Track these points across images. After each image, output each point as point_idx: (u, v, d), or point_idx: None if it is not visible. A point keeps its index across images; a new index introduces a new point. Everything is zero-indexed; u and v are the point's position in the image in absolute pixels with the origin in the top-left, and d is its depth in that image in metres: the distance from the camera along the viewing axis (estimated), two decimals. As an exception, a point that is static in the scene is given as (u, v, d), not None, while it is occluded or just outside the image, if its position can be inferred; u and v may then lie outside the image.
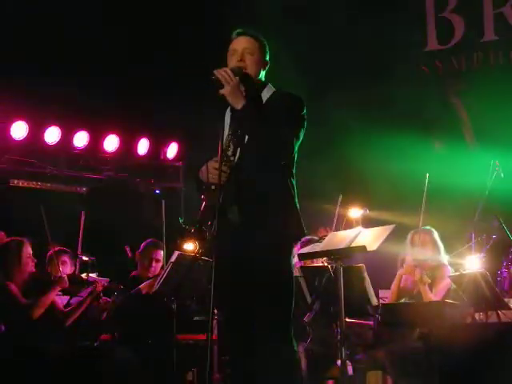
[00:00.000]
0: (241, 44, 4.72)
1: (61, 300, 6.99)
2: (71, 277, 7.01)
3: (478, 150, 8.96)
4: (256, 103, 4.63)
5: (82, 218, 8.12)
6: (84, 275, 7.20)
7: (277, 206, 4.56)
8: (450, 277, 6.69)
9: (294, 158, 4.68)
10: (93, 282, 7.02)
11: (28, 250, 6.77)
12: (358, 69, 9.60)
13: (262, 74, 4.76)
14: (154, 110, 9.64)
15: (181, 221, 5.28)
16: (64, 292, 6.98)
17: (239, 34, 4.76)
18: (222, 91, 4.51)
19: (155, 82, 9.55)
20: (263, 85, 4.76)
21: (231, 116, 4.70)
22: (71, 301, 7.07)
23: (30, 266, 6.75)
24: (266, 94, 4.73)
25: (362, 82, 9.54)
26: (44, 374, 6.38)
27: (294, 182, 4.68)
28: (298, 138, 4.62)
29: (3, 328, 6.59)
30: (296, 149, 4.64)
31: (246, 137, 4.59)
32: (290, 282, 4.60)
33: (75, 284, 7.00)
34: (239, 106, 4.52)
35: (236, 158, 4.60)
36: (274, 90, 4.76)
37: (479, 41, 9.70)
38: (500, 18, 9.59)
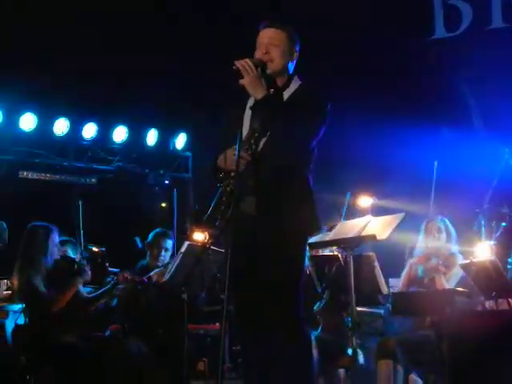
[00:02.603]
0: (266, 36, 4.68)
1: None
2: (96, 266, 7.03)
3: (488, 137, 8.93)
4: (276, 95, 4.61)
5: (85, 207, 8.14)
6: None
7: (293, 201, 4.57)
8: (460, 265, 6.69)
9: (312, 152, 4.69)
10: (115, 273, 7.02)
11: (55, 238, 6.80)
12: (365, 58, 9.57)
13: (290, 65, 4.73)
14: (162, 101, 9.64)
15: (195, 208, 5.30)
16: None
17: (265, 26, 4.72)
18: (241, 81, 4.51)
19: (163, 72, 9.55)
20: (290, 77, 4.73)
21: (252, 106, 4.67)
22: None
23: (55, 254, 6.78)
24: (291, 87, 4.70)
25: (369, 70, 9.51)
26: (55, 363, 6.43)
27: (311, 178, 4.69)
28: (317, 135, 4.61)
29: None
30: (314, 144, 4.64)
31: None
32: (301, 274, 4.65)
33: (98, 273, 7.02)
34: (259, 96, 4.52)
35: (259, 147, 4.60)
36: (300, 82, 4.73)
37: (487, 28, 9.66)
38: (508, 4, 9.54)
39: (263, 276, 4.54)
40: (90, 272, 6.83)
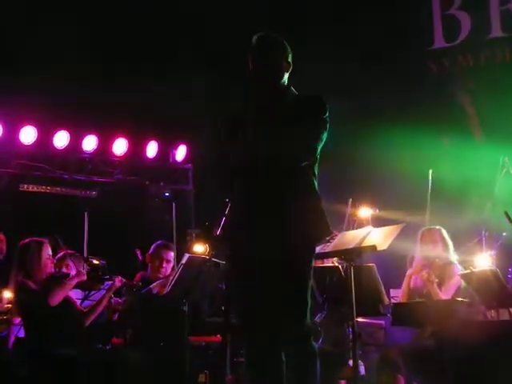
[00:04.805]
0: None
1: (75, 294, 7.03)
2: (89, 273, 7.05)
3: (487, 146, 8.94)
4: (280, 104, 4.69)
5: (86, 219, 8.15)
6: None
7: (302, 207, 4.59)
8: (460, 275, 6.69)
9: (316, 159, 4.73)
10: (111, 278, 7.05)
11: (48, 250, 6.83)
12: (365, 68, 9.59)
13: (285, 76, 4.79)
14: (162, 113, 9.65)
15: (206, 223, 5.32)
16: (82, 288, 7.03)
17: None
18: None
19: (163, 85, 9.56)
20: (286, 87, 4.79)
21: (256, 116, 4.73)
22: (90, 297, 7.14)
23: (49, 266, 6.81)
24: (289, 97, 4.76)
25: (369, 81, 9.53)
26: (57, 377, 6.42)
27: (317, 183, 4.72)
28: (320, 141, 4.66)
29: None
30: (319, 151, 4.68)
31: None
32: (309, 286, 4.67)
33: (92, 281, 7.04)
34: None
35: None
36: (297, 93, 4.80)
37: (486, 38, 9.68)
38: (506, 14, 9.58)
39: (273, 284, 4.55)
40: (85, 273, 6.87)
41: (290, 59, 4.80)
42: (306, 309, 4.61)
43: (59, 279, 6.75)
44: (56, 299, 6.57)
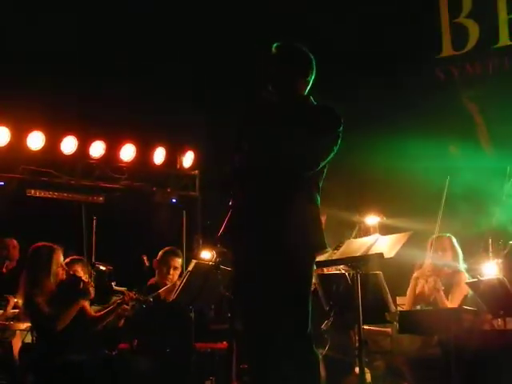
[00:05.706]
0: None
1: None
2: (100, 285, 7.01)
3: (495, 154, 8.92)
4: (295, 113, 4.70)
5: (93, 225, 8.14)
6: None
7: (302, 208, 4.58)
8: (467, 283, 6.67)
9: (323, 172, 4.71)
10: (121, 292, 6.99)
11: (59, 258, 6.65)
12: (372, 75, 9.58)
13: (300, 83, 4.79)
14: (169, 119, 9.65)
15: (207, 223, 5.33)
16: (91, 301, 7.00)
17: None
18: None
19: (171, 91, 9.57)
20: (301, 95, 4.79)
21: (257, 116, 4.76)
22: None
23: (59, 275, 6.64)
24: (305, 107, 4.75)
25: (377, 88, 9.52)
26: (61, 382, 6.42)
27: (319, 196, 4.70)
28: (328, 154, 4.63)
29: None
30: (325, 164, 4.65)
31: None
32: (309, 292, 4.65)
33: (103, 293, 7.01)
34: None
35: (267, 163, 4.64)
36: (315, 103, 4.79)
37: (494, 46, 9.67)
38: (515, 23, 9.58)
39: (272, 293, 4.55)
40: (92, 291, 6.78)
41: (309, 67, 4.80)
42: (307, 309, 4.61)
43: (69, 292, 6.66)
44: (62, 324, 6.47)
